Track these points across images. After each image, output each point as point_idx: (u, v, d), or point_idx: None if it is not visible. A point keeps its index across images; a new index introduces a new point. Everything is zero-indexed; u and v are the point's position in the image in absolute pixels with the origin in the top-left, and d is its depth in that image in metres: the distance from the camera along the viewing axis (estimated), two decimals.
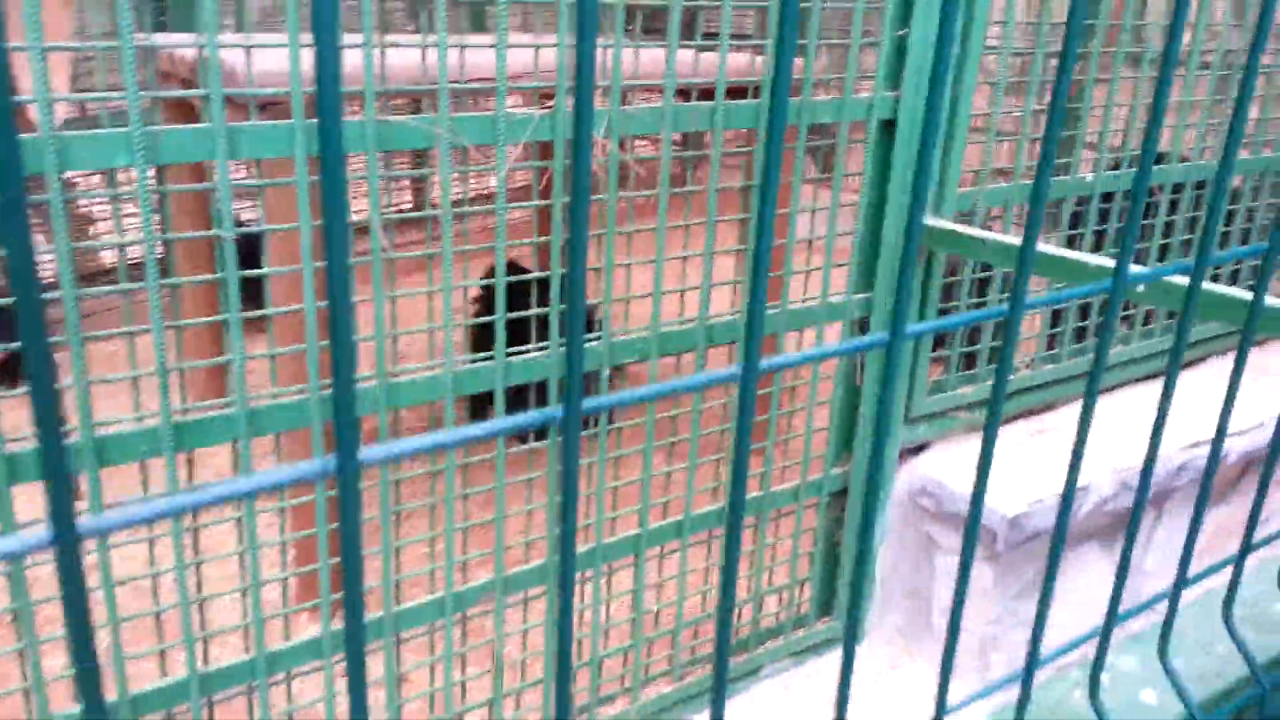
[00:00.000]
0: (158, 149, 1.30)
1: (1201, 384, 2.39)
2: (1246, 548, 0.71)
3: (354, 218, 1.57)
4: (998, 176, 2.05)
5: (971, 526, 0.54)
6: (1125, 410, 2.25)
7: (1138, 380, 2.41)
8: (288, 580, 1.60)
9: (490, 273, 2.38)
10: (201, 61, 1.30)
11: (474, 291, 2.61)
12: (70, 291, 1.28)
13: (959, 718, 0.65)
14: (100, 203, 4.48)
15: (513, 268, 2.23)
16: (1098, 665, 0.71)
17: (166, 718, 1.49)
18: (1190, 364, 2.53)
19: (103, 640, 1.47)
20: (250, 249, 1.50)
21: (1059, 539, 0.62)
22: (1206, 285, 1.46)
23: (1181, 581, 0.68)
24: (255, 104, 1.39)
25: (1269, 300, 1.33)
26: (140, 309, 1.32)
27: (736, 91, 1.71)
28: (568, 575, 0.36)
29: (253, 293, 1.43)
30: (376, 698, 1.67)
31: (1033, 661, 0.62)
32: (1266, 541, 0.94)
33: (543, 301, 1.63)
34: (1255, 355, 2.47)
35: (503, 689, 1.75)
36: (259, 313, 1.48)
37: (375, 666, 1.62)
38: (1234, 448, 2.24)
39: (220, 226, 1.38)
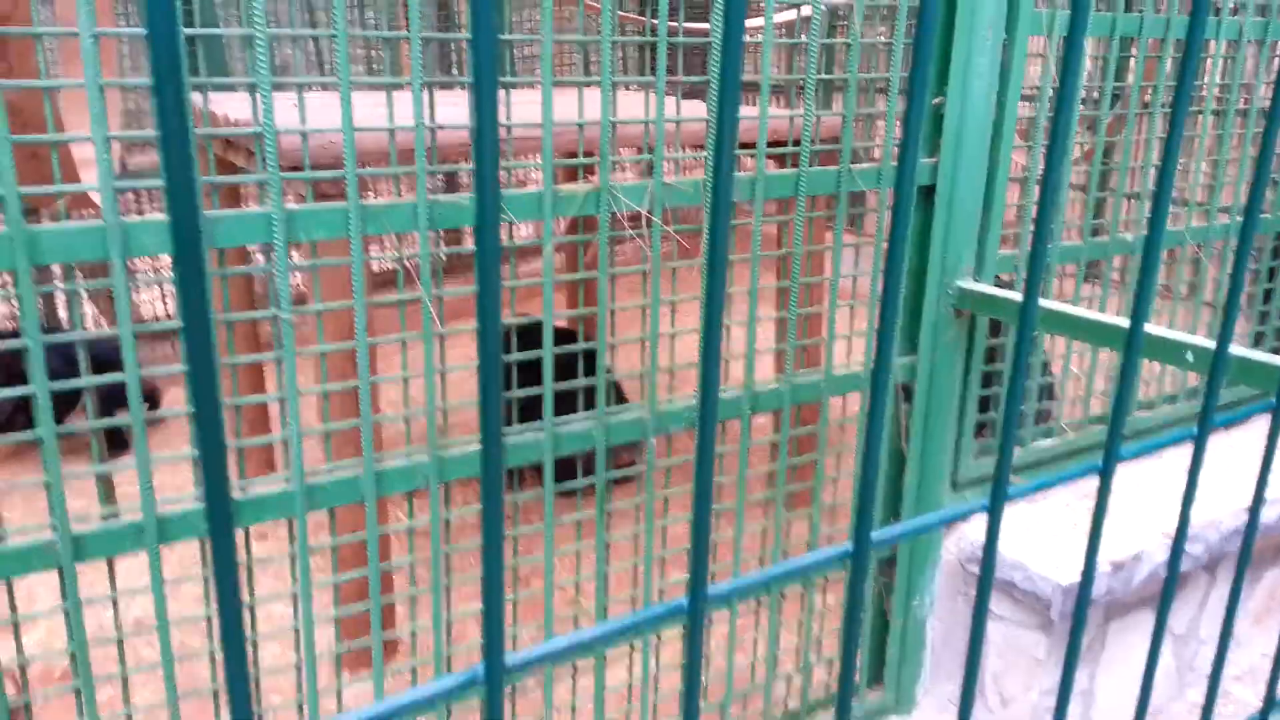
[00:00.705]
0: (214, 234, 1.32)
1: (1255, 442, 2.36)
2: None
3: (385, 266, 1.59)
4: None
5: (1077, 626, 0.54)
6: (1174, 472, 2.22)
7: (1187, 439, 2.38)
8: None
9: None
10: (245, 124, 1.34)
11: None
12: (133, 372, 1.30)
13: None
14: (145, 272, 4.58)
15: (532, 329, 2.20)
16: None
17: None
18: (1244, 421, 2.49)
19: None
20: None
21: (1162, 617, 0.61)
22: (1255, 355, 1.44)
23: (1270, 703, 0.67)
24: (310, 186, 1.42)
25: None
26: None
27: (775, 143, 1.73)
28: None
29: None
30: None
31: None
32: None
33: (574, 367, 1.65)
34: None
35: None
36: (314, 389, 1.50)
37: None
38: None
39: (277, 305, 1.40)
